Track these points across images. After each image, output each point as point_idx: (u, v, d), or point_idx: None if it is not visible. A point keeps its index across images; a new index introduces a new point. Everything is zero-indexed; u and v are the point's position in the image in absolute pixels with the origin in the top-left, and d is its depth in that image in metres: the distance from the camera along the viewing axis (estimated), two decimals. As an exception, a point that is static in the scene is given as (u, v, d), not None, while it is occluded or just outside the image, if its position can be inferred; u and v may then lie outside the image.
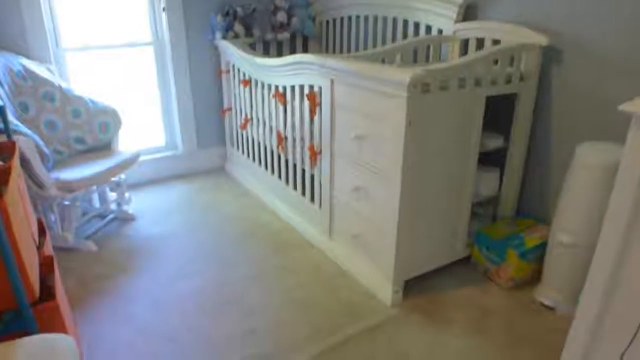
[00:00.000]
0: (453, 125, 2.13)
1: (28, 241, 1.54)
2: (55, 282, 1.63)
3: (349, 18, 3.49)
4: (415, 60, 2.71)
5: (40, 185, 2.48)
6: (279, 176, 3.15)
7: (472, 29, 2.56)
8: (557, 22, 2.27)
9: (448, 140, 2.14)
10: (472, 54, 2.25)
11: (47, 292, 1.59)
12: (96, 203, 3.13)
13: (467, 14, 2.62)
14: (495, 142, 2.40)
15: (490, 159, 2.47)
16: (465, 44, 2.63)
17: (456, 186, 2.27)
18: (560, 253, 2.14)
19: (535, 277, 2.38)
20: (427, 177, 2.13)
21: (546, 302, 2.23)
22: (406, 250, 2.19)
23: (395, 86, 1.91)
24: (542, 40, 2.24)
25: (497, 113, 2.38)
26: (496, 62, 2.25)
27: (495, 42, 2.44)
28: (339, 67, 2.22)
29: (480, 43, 2.54)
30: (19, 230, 1.38)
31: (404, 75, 1.84)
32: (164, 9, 3.54)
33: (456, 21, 2.61)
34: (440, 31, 2.72)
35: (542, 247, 2.32)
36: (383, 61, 2.60)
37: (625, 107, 1.14)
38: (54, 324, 1.47)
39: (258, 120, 3.29)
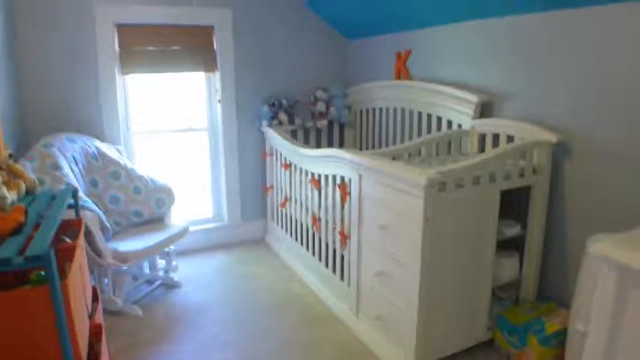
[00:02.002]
0: (470, 218, 2.16)
1: (82, 313, 1.65)
2: (102, 351, 1.71)
3: (380, 110, 3.65)
4: (438, 152, 2.79)
5: (99, 254, 2.63)
6: (313, 253, 3.20)
7: (488, 126, 2.63)
8: (565, 120, 2.32)
9: (465, 232, 2.16)
10: (485, 154, 2.31)
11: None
12: (146, 269, 3.25)
13: (485, 111, 2.70)
14: (512, 231, 2.40)
15: (511, 243, 2.45)
16: (483, 137, 2.70)
17: (475, 273, 2.26)
18: (579, 341, 2.06)
19: (559, 364, 2.28)
20: (446, 266, 2.14)
21: (568, 390, 2.12)
22: (427, 334, 2.16)
23: (413, 186, 1.99)
24: (552, 138, 2.28)
25: (514, 201, 2.39)
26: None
27: (510, 137, 2.50)
28: (365, 164, 2.33)
29: (496, 138, 2.60)
30: (76, 306, 1.49)
31: (421, 177, 1.92)
32: (219, 101, 3.81)
33: (474, 118, 2.69)
34: (460, 126, 2.81)
35: (564, 333, 2.23)
36: (410, 155, 2.70)
37: (594, 249, 1.15)
38: (96, 393, 1.53)
39: (296, 201, 3.41)
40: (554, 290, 2.50)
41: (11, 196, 1.71)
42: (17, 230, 1.48)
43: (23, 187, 1.89)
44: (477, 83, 2.77)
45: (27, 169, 2.56)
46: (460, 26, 2.86)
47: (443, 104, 2.91)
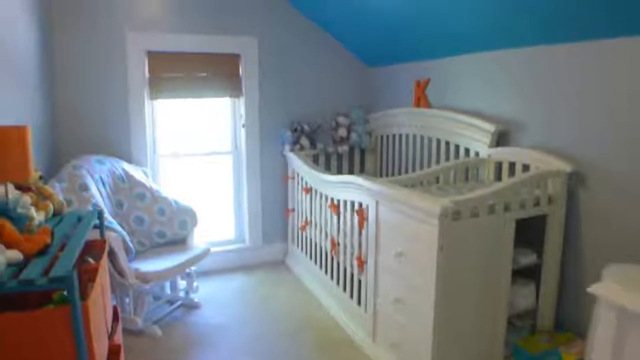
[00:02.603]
0: (485, 247, 2.15)
1: (102, 333, 1.69)
2: (119, 370, 1.75)
3: (400, 136, 3.67)
4: (455, 180, 2.79)
5: (121, 274, 2.69)
6: (331, 277, 3.21)
7: (504, 154, 2.63)
8: (580, 150, 2.30)
9: (480, 260, 2.15)
10: (499, 183, 2.31)
11: (111, 379, 1.70)
12: (167, 289, 3.30)
13: (501, 139, 2.70)
14: (528, 259, 2.37)
15: (527, 271, 2.42)
16: (499, 165, 2.69)
17: (490, 301, 2.23)
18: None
19: (575, 396, 2.21)
20: (460, 294, 2.13)
21: None
22: (442, 362, 2.13)
23: (427, 214, 2.00)
24: (566, 167, 2.27)
25: (529, 229, 2.36)
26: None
27: (525, 166, 2.49)
28: (381, 192, 2.34)
29: (512, 166, 2.59)
30: (95, 327, 1.53)
31: (435, 206, 1.93)
32: (243, 125, 3.90)
33: (490, 146, 2.69)
34: (477, 153, 2.81)
35: (581, 365, 2.18)
36: (427, 182, 2.71)
37: (593, 289, 1.14)
38: (111, 411, 1.56)
39: (316, 225, 3.43)
40: (571, 320, 2.45)
41: (39, 217, 1.79)
42: (43, 251, 1.54)
43: (51, 208, 1.97)
44: (494, 112, 2.78)
45: (57, 189, 2.66)
46: (477, 56, 2.88)
47: (461, 132, 2.92)
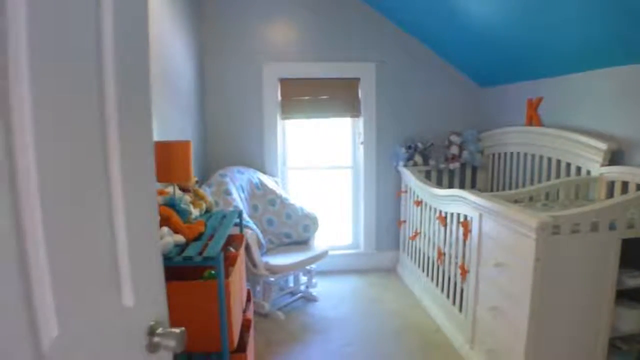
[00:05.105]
0: (585, 264, 2.09)
1: (238, 307, 2.03)
2: (249, 340, 2.07)
3: (511, 154, 3.62)
4: (564, 197, 2.72)
5: (254, 265, 3.08)
6: (436, 284, 3.29)
7: (617, 173, 2.51)
8: None
9: (580, 277, 2.10)
10: (604, 201, 2.22)
11: (242, 345, 2.03)
12: (290, 282, 3.66)
13: (614, 158, 2.58)
14: (636, 281, 2.23)
15: (635, 294, 2.28)
16: (612, 184, 2.57)
17: (590, 320, 2.16)
18: None
19: None
20: (557, 308, 2.10)
21: None
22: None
23: (526, 228, 2.03)
24: (684, 189, 2.12)
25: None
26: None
27: (639, 186, 2.36)
28: (483, 205, 2.41)
29: (625, 186, 2.46)
30: (234, 300, 1.87)
31: (532, 219, 1.96)
32: (361, 143, 4.15)
33: (602, 165, 2.59)
34: (588, 172, 2.71)
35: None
36: (531, 199, 2.69)
37: None
38: (242, 369, 1.88)
39: (424, 235, 3.54)
40: (685, 348, 2.25)
41: (195, 212, 2.21)
42: (198, 238, 1.93)
43: (204, 206, 2.39)
44: (608, 129, 2.66)
45: (207, 192, 3.15)
46: (591, 74, 2.78)
47: (572, 150, 2.84)
